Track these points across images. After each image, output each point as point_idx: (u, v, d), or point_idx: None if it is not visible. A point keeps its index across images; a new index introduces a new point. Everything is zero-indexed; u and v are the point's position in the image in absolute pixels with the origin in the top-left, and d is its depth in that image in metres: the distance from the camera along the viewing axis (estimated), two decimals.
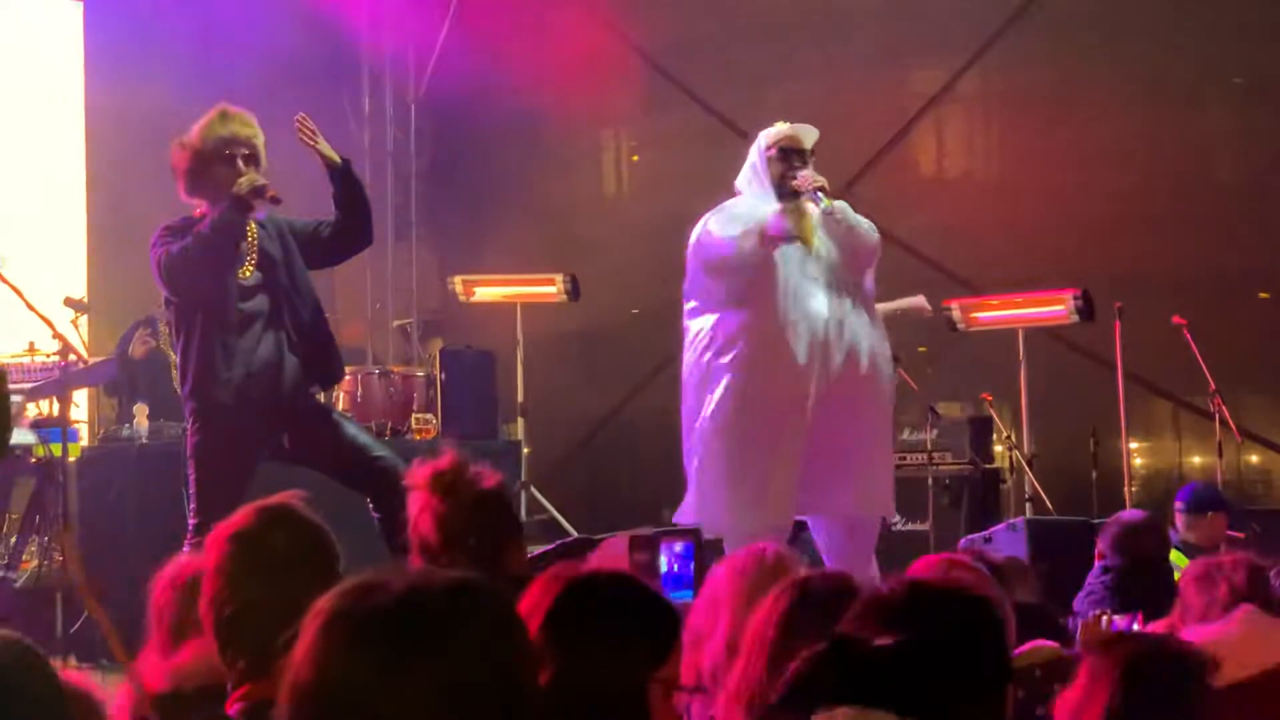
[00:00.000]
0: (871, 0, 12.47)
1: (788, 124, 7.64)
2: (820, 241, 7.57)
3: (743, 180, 7.73)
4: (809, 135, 7.63)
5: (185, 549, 6.35)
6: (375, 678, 1.89)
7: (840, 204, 7.65)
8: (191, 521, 6.73)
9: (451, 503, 4.11)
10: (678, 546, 6.61)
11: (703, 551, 6.64)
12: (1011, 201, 12.06)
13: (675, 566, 6.58)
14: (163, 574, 3.78)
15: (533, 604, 2.84)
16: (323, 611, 1.97)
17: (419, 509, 4.14)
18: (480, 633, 1.95)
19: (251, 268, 7.01)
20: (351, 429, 7.22)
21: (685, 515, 7.68)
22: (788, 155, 7.57)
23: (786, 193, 7.52)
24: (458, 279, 11.96)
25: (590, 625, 2.81)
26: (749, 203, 7.64)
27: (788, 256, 7.52)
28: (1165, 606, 5.11)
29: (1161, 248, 11.25)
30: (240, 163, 6.90)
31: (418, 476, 4.16)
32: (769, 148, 7.59)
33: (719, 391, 7.56)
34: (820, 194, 7.41)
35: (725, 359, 7.56)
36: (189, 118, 6.93)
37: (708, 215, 7.68)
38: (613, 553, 6.28)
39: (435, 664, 1.91)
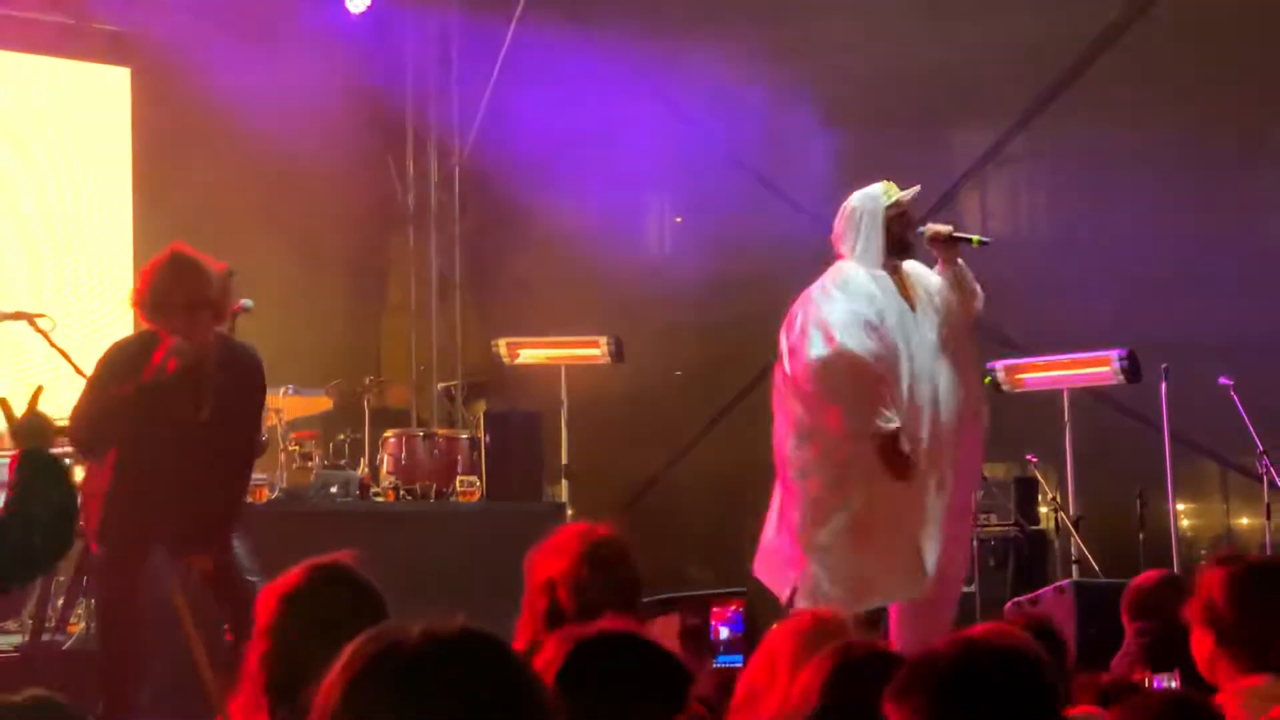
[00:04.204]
0: (917, 60, 12.46)
1: (885, 183, 7.44)
2: (924, 298, 7.44)
3: (847, 245, 7.43)
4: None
5: None
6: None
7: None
8: None
9: (598, 573, 4.08)
10: (728, 612, 6.61)
11: (753, 617, 6.62)
12: (1056, 262, 12.03)
13: (726, 632, 6.57)
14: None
15: (544, 664, 2.85)
16: (345, 657, 1.99)
17: (562, 572, 4.10)
18: (496, 678, 1.96)
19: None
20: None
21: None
22: (906, 214, 7.43)
23: (896, 251, 7.38)
24: (502, 341, 11.96)
25: (598, 685, 2.82)
26: (856, 288, 7.35)
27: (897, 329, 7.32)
28: None
29: (1208, 308, 11.18)
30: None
31: (569, 540, 4.14)
32: (890, 207, 7.37)
33: None
34: (964, 237, 7.40)
35: None
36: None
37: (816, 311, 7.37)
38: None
39: (452, 706, 1.92)
